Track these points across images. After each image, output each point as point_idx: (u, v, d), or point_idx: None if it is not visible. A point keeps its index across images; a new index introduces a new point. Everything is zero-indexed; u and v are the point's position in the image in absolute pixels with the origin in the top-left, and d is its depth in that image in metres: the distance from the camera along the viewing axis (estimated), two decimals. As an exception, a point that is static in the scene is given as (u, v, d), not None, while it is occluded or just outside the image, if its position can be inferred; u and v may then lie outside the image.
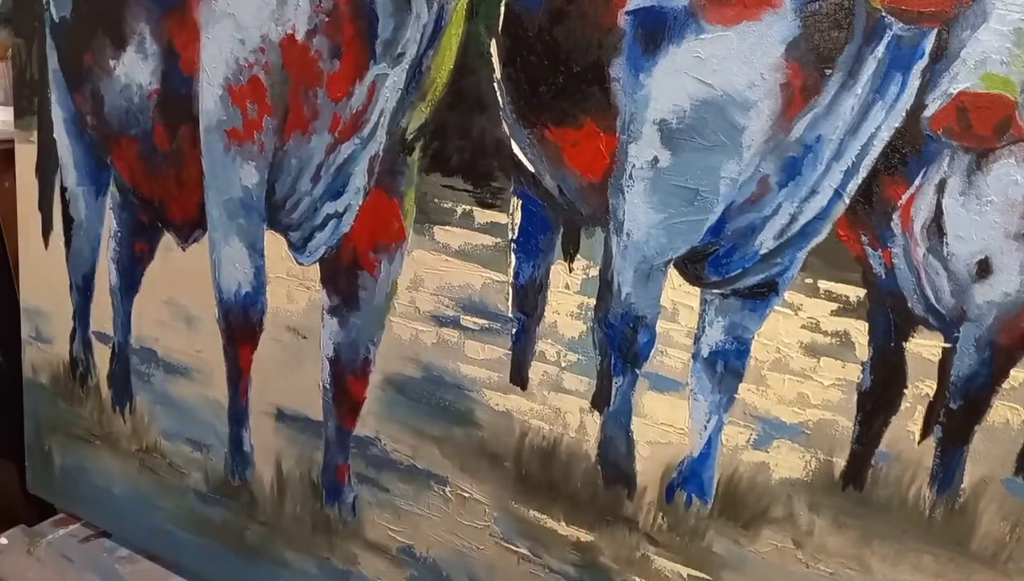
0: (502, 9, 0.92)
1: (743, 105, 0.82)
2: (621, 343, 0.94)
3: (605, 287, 0.94)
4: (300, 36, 1.03)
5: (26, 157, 1.40)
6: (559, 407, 1.00)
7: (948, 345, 0.81)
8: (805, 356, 0.86)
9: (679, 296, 0.91)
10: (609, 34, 0.86)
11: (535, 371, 1.01)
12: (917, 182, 0.78)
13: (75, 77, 1.28)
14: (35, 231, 1.43)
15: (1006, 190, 0.74)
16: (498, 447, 1.05)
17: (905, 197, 0.79)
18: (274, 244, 1.15)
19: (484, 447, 1.06)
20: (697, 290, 0.90)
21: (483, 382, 1.04)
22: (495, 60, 0.94)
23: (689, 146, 0.85)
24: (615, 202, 0.91)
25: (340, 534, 1.22)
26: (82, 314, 1.41)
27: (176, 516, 1.39)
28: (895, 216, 0.80)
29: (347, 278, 1.10)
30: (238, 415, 1.27)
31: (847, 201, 0.81)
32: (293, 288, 1.16)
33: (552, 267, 0.97)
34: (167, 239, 1.27)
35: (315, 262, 1.13)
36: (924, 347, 0.82)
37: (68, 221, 1.37)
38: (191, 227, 1.23)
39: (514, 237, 0.98)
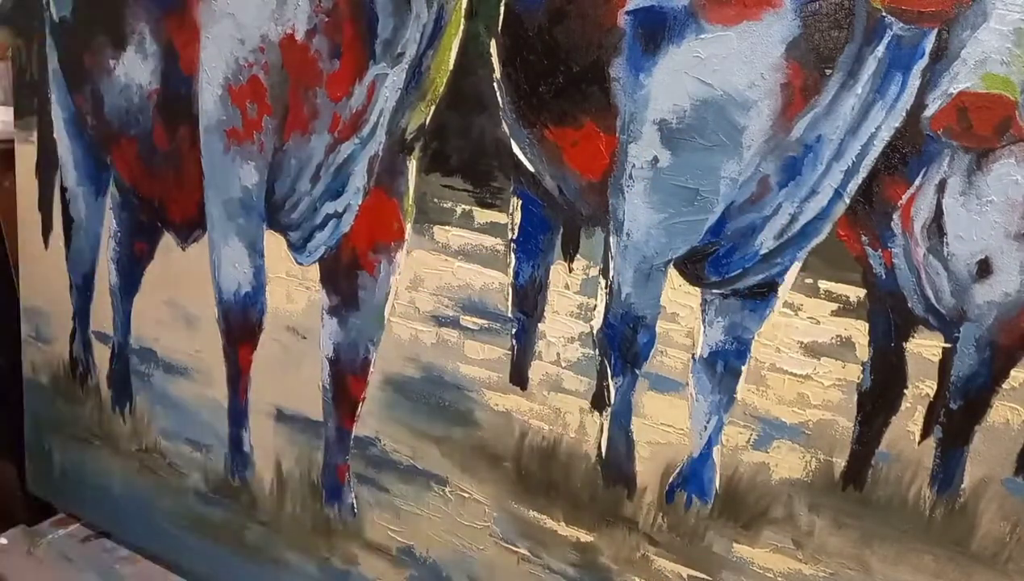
0: (502, 9, 0.92)
1: (743, 105, 0.82)
2: (621, 343, 0.94)
3: (605, 287, 0.94)
4: (300, 36, 1.03)
5: (26, 157, 1.40)
6: (559, 407, 1.00)
7: (948, 345, 0.81)
8: (805, 356, 0.86)
9: (679, 296, 0.91)
10: (609, 34, 0.86)
11: (535, 371, 1.01)
12: (917, 182, 0.78)
13: (75, 77, 1.28)
14: (35, 231, 1.42)
15: (1006, 190, 0.74)
16: (498, 447, 1.05)
17: (905, 197, 0.79)
18: (274, 244, 1.15)
19: (484, 447, 1.06)
20: (697, 290, 0.90)
21: (483, 382, 1.04)
22: (495, 60, 0.94)
23: (689, 146, 0.85)
24: (615, 202, 0.91)
25: (340, 534, 1.22)
26: (82, 314, 1.41)
27: (176, 516, 1.39)
28: (895, 216, 0.80)
29: (347, 278, 1.10)
30: (238, 415, 1.26)
31: (847, 201, 0.81)
32: (293, 288, 1.15)
33: (552, 267, 0.97)
34: (167, 239, 1.27)
35: (315, 262, 1.12)
36: (924, 347, 0.82)
37: (68, 221, 1.37)
38: (191, 227, 1.23)
39: (514, 237, 0.98)
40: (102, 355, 1.40)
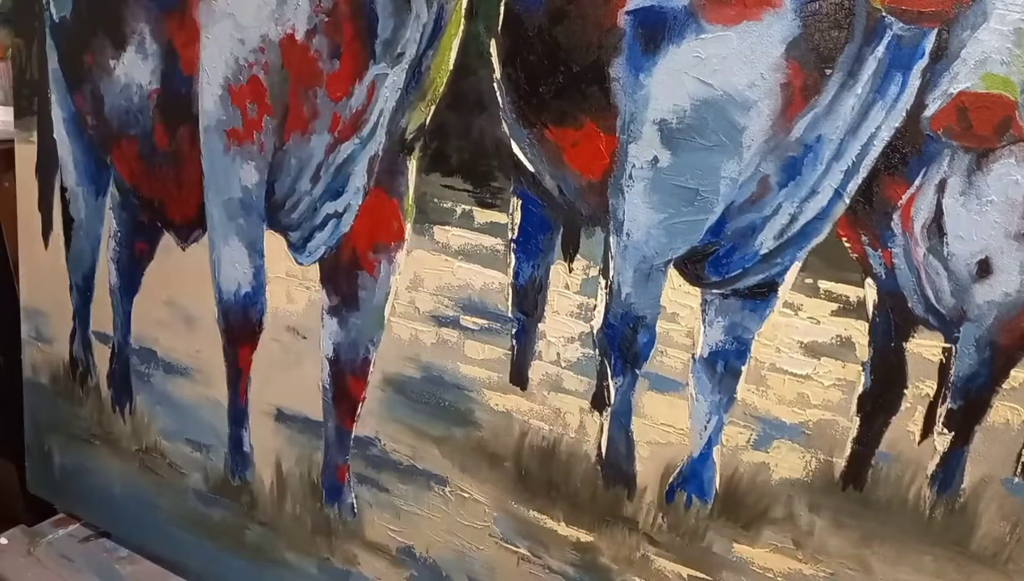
0: (502, 9, 0.92)
1: (743, 105, 0.82)
2: (621, 343, 0.94)
3: (605, 287, 0.94)
4: (300, 36, 1.03)
5: (26, 157, 1.40)
6: (559, 407, 1.00)
7: (948, 345, 0.81)
8: (805, 356, 0.86)
9: (679, 296, 0.91)
10: (609, 34, 0.86)
11: (535, 371, 1.01)
12: (917, 182, 0.78)
13: (75, 77, 1.28)
14: (35, 231, 1.42)
15: (1006, 190, 0.74)
16: (498, 447, 1.05)
17: (905, 197, 0.79)
18: (274, 244, 1.15)
19: (484, 447, 1.06)
20: (697, 290, 0.90)
21: (483, 382, 1.04)
22: (495, 60, 0.94)
23: (689, 146, 0.85)
24: (615, 202, 0.91)
25: (340, 534, 1.22)
26: (82, 314, 1.41)
27: (176, 516, 1.39)
28: (895, 216, 0.80)
29: (347, 278, 1.10)
30: (238, 415, 1.26)
31: (847, 201, 0.81)
32: (293, 288, 1.15)
33: (552, 267, 0.97)
34: (167, 239, 1.27)
35: (315, 262, 1.12)
36: (924, 347, 0.82)
37: (68, 221, 1.37)
38: (191, 227, 1.23)
39: (514, 237, 0.98)
40: (102, 355, 1.40)
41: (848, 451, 0.86)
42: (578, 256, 0.95)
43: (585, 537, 1.02)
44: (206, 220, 1.19)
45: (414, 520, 1.15)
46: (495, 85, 0.94)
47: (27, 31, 1.34)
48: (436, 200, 1.01)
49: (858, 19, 0.76)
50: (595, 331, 0.96)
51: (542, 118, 0.92)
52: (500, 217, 0.98)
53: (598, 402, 0.98)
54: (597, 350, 0.96)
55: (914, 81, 0.76)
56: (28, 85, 1.36)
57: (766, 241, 0.85)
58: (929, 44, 0.74)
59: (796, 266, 0.85)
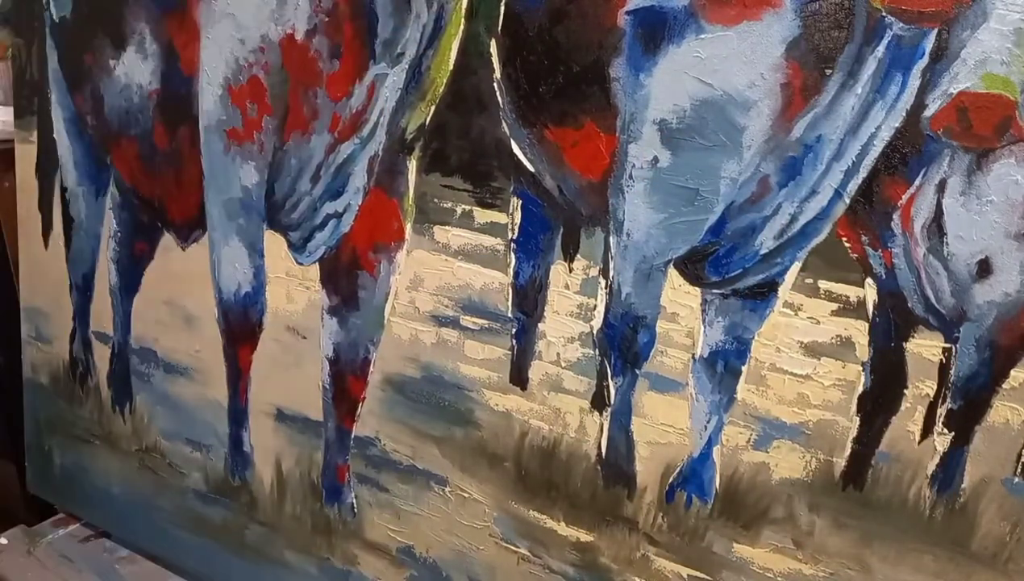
0: (502, 9, 0.92)
1: (743, 105, 0.82)
2: (621, 343, 0.94)
3: (605, 287, 0.94)
4: (300, 36, 1.03)
5: (26, 157, 1.40)
6: (559, 407, 1.00)
7: (948, 345, 0.81)
8: (805, 356, 0.86)
9: (679, 296, 0.91)
10: (609, 34, 0.86)
11: (535, 371, 1.01)
12: (917, 182, 0.78)
13: (75, 77, 1.28)
14: (35, 231, 1.42)
15: (1006, 190, 0.74)
16: (498, 447, 1.05)
17: (905, 197, 0.79)
18: (274, 244, 1.15)
19: (484, 447, 1.06)
20: (697, 290, 0.90)
21: (483, 382, 1.04)
22: (495, 60, 0.94)
23: (689, 146, 0.85)
24: (615, 202, 0.91)
25: (340, 534, 1.22)
26: (82, 314, 1.41)
27: (176, 516, 1.39)
28: (895, 216, 0.80)
29: (347, 278, 1.10)
30: (238, 415, 1.26)
31: (847, 201, 0.81)
32: (293, 288, 1.16)
33: (552, 267, 0.97)
34: (167, 239, 1.27)
35: (315, 262, 1.12)
36: (924, 347, 0.82)
37: (68, 221, 1.37)
38: (191, 227, 1.23)
39: (514, 237, 0.98)
40: (102, 355, 1.40)
41: (848, 451, 0.86)
42: (578, 256, 0.95)
43: (585, 537, 1.02)
44: (206, 220, 1.19)
45: (414, 520, 1.15)
46: (495, 85, 0.94)
47: (27, 31, 1.34)
48: (436, 200, 1.01)
49: (858, 19, 0.76)
50: (595, 331, 0.96)
51: (542, 118, 0.92)
52: (500, 217, 0.98)
53: (598, 402, 0.98)
54: (597, 350, 0.97)
55: (914, 81, 0.76)
56: (28, 85, 1.36)
57: (766, 241, 0.85)
58: (929, 44, 0.74)
59: (796, 266, 0.85)
